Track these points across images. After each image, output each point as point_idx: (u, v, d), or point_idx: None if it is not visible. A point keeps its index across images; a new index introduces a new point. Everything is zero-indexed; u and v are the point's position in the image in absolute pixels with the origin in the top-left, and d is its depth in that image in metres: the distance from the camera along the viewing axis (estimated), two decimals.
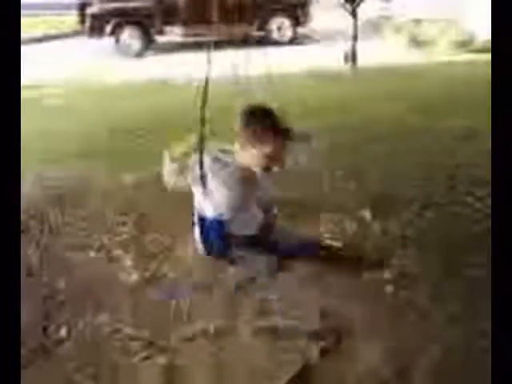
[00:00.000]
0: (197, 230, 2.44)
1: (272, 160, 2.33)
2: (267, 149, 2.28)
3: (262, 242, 2.49)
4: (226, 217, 2.37)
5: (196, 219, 2.42)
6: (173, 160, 2.27)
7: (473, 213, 3.67)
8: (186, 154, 2.28)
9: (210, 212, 2.35)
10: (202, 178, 2.25)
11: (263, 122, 2.30)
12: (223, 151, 2.38)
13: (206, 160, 2.28)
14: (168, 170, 2.32)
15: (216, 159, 2.32)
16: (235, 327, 2.66)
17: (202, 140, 2.22)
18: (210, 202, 2.33)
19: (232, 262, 2.51)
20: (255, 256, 2.47)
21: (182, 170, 2.26)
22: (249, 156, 2.34)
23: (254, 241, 2.47)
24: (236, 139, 2.38)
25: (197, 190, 2.34)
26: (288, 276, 3.04)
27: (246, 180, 2.36)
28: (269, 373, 2.40)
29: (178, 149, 2.31)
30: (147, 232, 3.60)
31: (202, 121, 2.25)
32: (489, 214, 3.61)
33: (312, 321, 2.67)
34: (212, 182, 2.30)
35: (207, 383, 2.37)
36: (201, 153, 2.24)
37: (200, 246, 2.50)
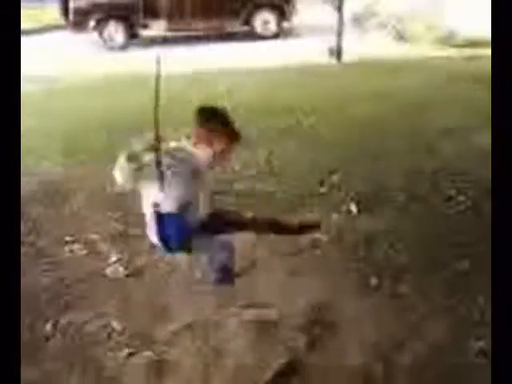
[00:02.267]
0: (153, 230, 2.47)
1: (220, 159, 2.54)
2: (218, 148, 2.47)
3: (211, 228, 2.60)
4: (182, 209, 2.43)
5: (152, 218, 2.44)
6: (131, 158, 2.31)
7: (456, 206, 3.72)
8: (145, 151, 2.33)
9: (169, 207, 2.40)
10: (161, 175, 2.31)
11: (216, 122, 2.49)
12: (178, 149, 2.54)
13: (165, 157, 2.35)
14: (123, 168, 2.34)
15: (173, 156, 2.42)
16: (221, 321, 2.67)
17: (157, 138, 2.29)
18: (169, 197, 2.39)
19: (189, 251, 2.57)
20: (211, 242, 2.59)
21: (139, 169, 2.31)
22: (201, 153, 2.51)
23: (204, 229, 2.59)
24: (192, 136, 2.54)
25: (152, 188, 2.38)
26: (275, 270, 3.06)
27: (195, 174, 2.50)
28: (256, 366, 2.41)
29: (138, 146, 2.34)
30: (133, 227, 3.59)
31: (156, 119, 2.31)
32: (470, 205, 3.67)
33: (299, 314, 2.69)
34: (171, 178, 2.37)
35: (194, 376, 2.38)
36: (157, 150, 2.31)
37: (159, 245, 2.53)
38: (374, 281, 2.93)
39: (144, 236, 3.45)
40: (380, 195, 3.87)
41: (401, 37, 10.52)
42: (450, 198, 3.81)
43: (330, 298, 2.79)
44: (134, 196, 4.02)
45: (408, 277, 2.95)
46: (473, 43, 9.16)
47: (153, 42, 11.46)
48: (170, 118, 5.83)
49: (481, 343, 2.43)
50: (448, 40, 9.98)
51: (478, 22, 8.14)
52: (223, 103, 2.63)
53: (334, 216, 3.60)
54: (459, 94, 6.27)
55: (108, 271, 3.13)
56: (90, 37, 11.28)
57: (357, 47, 9.16)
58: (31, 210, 3.81)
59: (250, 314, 2.70)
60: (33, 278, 3.08)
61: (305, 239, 3.34)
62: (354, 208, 3.69)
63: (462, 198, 3.79)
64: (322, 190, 4.00)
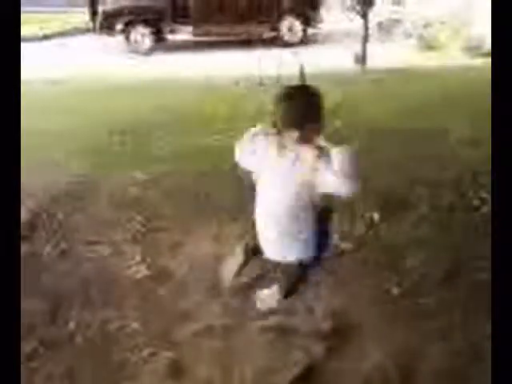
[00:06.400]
0: None
1: None
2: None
3: None
4: None
5: None
6: None
7: (479, 216, 3.68)
8: None
9: None
10: None
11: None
12: None
13: None
14: None
15: None
16: (241, 325, 2.69)
17: None
18: None
19: None
20: None
21: None
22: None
23: None
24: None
25: None
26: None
27: None
28: (274, 371, 2.42)
29: None
30: (156, 228, 3.63)
31: None
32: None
33: (317, 321, 2.69)
34: None
35: (212, 380, 2.40)
36: None
37: None
38: (394, 290, 2.92)
39: (167, 237, 3.52)
40: (403, 204, 3.84)
41: (426, 45, 10.46)
42: (473, 209, 3.78)
43: (350, 307, 2.79)
44: (157, 197, 4.10)
45: (429, 287, 2.94)
46: None
47: (178, 47, 11.58)
48: (192, 121, 5.91)
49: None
50: (475, 49, 9.89)
51: None
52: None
53: (356, 224, 3.59)
54: (484, 104, 6.20)
55: (130, 272, 3.17)
56: (117, 40, 11.43)
57: (382, 54, 9.14)
58: (57, 211, 3.89)
59: (269, 319, 2.71)
60: (57, 277, 3.14)
61: None
62: (376, 216, 3.68)
63: (485, 208, 3.76)
64: (344, 197, 3.98)
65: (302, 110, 2.26)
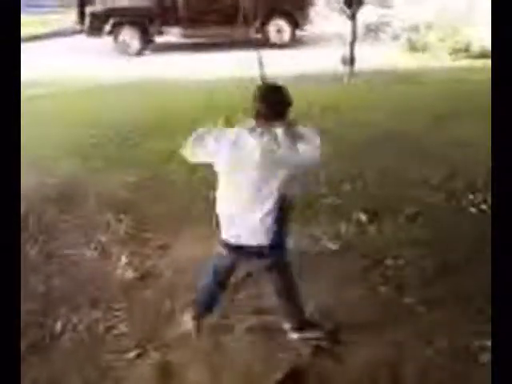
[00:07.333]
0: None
1: None
2: None
3: None
4: None
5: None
6: None
7: (467, 217, 3.71)
8: None
9: None
10: None
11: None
12: None
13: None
14: None
15: None
16: (228, 325, 2.68)
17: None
18: None
19: None
20: None
21: None
22: None
23: None
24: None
25: None
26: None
27: None
28: (261, 370, 2.42)
29: None
30: (143, 231, 3.62)
31: None
32: (482, 218, 3.65)
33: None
34: None
35: (200, 380, 2.39)
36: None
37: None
38: (382, 289, 2.93)
39: (154, 239, 3.50)
40: (390, 205, 3.86)
41: (414, 47, 10.51)
42: (460, 209, 3.80)
43: (338, 306, 2.79)
44: (145, 198, 4.08)
45: (417, 286, 2.95)
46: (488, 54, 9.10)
47: (166, 48, 11.55)
48: (180, 122, 5.89)
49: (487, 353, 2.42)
50: (463, 51, 9.94)
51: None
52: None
53: (344, 225, 3.60)
54: (473, 105, 6.25)
55: (118, 273, 3.16)
56: (106, 41, 11.37)
57: (370, 57, 9.17)
58: (45, 213, 3.86)
59: (256, 319, 2.71)
60: (45, 277, 3.12)
61: (313, 247, 3.36)
62: (363, 217, 3.69)
63: (473, 209, 3.78)
64: (333, 198, 4.00)
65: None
